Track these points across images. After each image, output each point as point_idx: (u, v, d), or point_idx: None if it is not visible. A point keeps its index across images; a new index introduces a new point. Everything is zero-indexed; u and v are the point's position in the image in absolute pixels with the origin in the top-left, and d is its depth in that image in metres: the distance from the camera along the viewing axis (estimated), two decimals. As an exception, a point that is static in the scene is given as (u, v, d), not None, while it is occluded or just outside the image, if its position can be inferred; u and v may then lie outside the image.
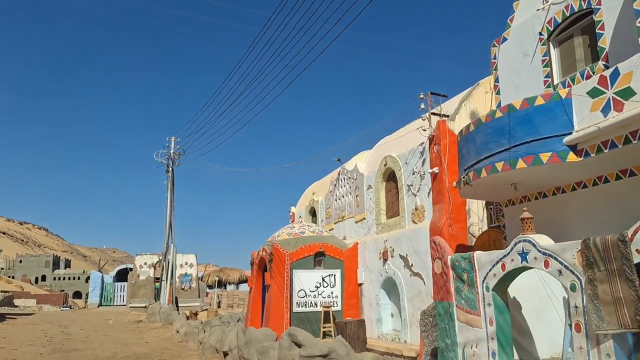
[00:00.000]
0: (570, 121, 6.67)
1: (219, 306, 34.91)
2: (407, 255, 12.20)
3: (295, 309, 14.17)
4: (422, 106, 11.39)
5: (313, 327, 13.75)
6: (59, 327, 23.21)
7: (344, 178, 16.77)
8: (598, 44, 7.36)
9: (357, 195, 15.64)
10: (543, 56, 8.41)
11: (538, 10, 8.47)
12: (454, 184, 9.43)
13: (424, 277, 11.40)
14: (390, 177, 13.82)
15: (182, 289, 37.97)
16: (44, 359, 13.26)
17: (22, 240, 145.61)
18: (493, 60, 9.64)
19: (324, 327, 13.90)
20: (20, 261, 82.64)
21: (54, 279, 71.93)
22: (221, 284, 42.09)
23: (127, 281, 45.03)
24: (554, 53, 8.29)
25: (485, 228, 11.29)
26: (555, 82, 8.15)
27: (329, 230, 17.02)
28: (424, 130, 11.50)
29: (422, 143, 11.96)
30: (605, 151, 6.21)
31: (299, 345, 8.95)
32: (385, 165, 13.82)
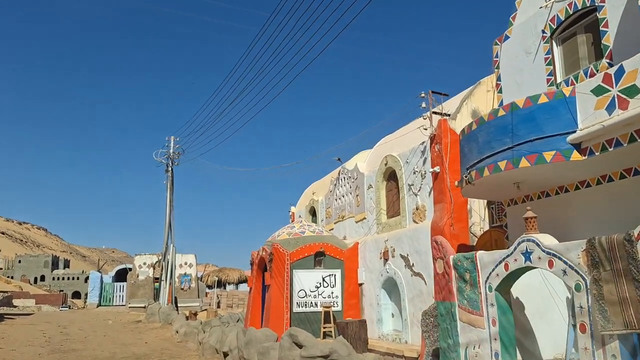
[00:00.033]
0: (574, 119, 6.61)
1: (218, 306, 34.84)
2: (408, 255, 12.13)
3: (296, 309, 14.10)
4: (423, 105, 11.33)
5: (313, 328, 13.68)
6: (58, 328, 23.12)
7: (344, 177, 16.70)
8: (602, 41, 7.31)
9: (357, 195, 15.57)
10: (546, 54, 8.35)
11: (541, 8, 8.41)
12: (456, 183, 9.36)
13: (425, 277, 11.33)
14: (391, 176, 13.75)
15: (182, 289, 37.90)
16: (42, 360, 13.19)
17: (21, 240, 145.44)
18: (495, 59, 9.58)
19: (324, 328, 13.83)
20: (19, 261, 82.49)
21: (53, 279, 71.78)
22: (220, 284, 42.03)
23: (126, 281, 44.95)
24: (557, 51, 8.23)
25: (487, 228, 11.22)
26: (558, 81, 8.09)
27: (329, 230, 16.95)
28: (425, 129, 11.44)
29: (423, 142, 11.89)
30: (610, 150, 6.15)
31: (300, 346, 8.88)
32: (386, 164, 13.75)
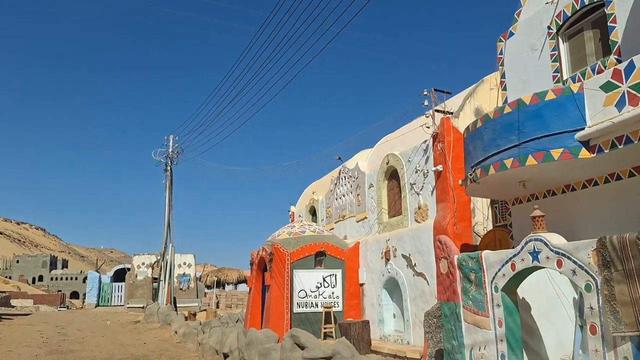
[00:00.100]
0: (583, 116, 6.48)
1: (217, 306, 34.69)
2: (410, 254, 12.00)
3: (296, 309, 13.96)
4: (426, 103, 11.22)
5: (314, 328, 13.55)
6: (56, 328, 22.95)
7: (345, 177, 16.57)
8: (610, 37, 7.17)
9: (358, 194, 15.43)
10: (552, 51, 8.21)
11: (547, 3, 8.28)
12: (460, 181, 9.23)
13: (428, 277, 11.21)
14: (393, 175, 13.62)
15: (180, 289, 37.74)
16: (40, 361, 13.03)
17: (19, 240, 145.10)
18: (499, 56, 9.44)
19: (325, 328, 13.70)
20: (17, 261, 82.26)
21: (51, 279, 71.56)
22: (219, 284, 41.87)
23: (124, 281, 44.79)
24: (563, 47, 8.09)
25: (490, 227, 11.10)
26: (565, 77, 7.96)
27: (330, 229, 16.82)
28: (428, 127, 11.32)
29: (426, 141, 11.77)
30: (619, 147, 6.02)
31: (302, 347, 8.74)
32: (387, 163, 13.62)
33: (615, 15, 7.09)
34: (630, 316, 5.02)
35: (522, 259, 6.47)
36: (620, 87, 6.00)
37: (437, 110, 11.22)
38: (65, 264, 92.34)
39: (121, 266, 53.41)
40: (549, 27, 8.28)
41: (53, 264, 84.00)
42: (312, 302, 14.18)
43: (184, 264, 39.40)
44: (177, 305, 31.09)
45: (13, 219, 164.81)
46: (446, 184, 10.74)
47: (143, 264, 42.44)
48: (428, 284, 11.16)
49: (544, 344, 7.54)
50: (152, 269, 41.66)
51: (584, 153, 6.44)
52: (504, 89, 9.31)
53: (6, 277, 73.07)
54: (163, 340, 17.55)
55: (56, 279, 70.52)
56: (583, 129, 6.42)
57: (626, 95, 5.90)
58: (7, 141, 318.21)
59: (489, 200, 11.26)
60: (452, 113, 11.23)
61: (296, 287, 14.11)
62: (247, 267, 18.50)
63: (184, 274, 39.09)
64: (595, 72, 7.33)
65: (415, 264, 11.76)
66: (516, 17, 9.09)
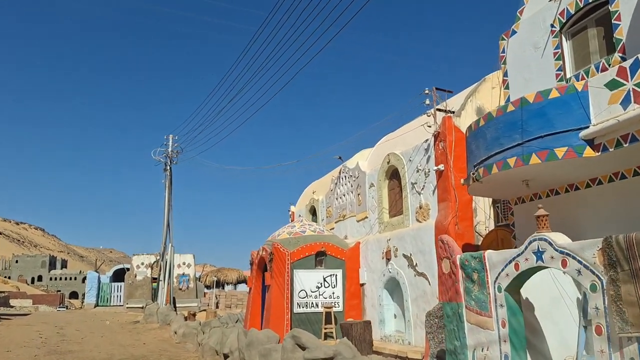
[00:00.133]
0: (587, 114, 6.42)
1: (216, 307, 34.60)
2: (411, 254, 11.93)
3: (296, 309, 13.88)
4: (427, 102, 11.15)
5: (314, 328, 13.47)
6: (55, 328, 22.86)
7: (345, 176, 16.50)
8: (614, 35, 7.11)
9: (358, 194, 15.36)
10: (555, 49, 8.15)
11: (550, 1, 8.21)
12: (462, 181, 9.16)
13: (429, 277, 11.13)
14: (394, 174, 13.55)
15: (180, 289, 37.66)
16: (38, 361, 12.95)
17: (19, 241, 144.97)
18: (501, 54, 9.38)
19: (325, 328, 13.62)
20: (17, 261, 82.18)
21: (50, 279, 71.50)
22: (219, 284, 41.78)
23: (124, 281, 44.71)
24: (567, 45, 8.03)
25: (492, 227, 11.04)
26: (568, 76, 7.89)
27: (330, 229, 16.74)
28: (429, 126, 11.25)
29: (427, 140, 11.69)
30: (625, 145, 5.95)
31: (303, 348, 8.67)
32: (388, 162, 13.54)
33: (619, 13, 7.02)
34: (637, 317, 4.95)
35: (526, 259, 6.40)
36: (625, 84, 5.94)
37: (439, 109, 11.15)
38: (64, 264, 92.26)
39: (120, 266, 53.30)
40: (552, 25, 8.22)
41: (52, 264, 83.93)
42: (312, 302, 14.10)
43: (184, 264, 39.33)
44: (177, 305, 31.02)
45: (12, 218, 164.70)
46: (448, 184, 10.67)
47: (142, 264, 42.36)
48: (429, 284, 11.08)
49: (548, 344, 7.48)
50: (152, 269, 41.59)
51: (588, 152, 6.37)
52: (507, 87, 9.24)
53: (5, 277, 72.97)
54: (162, 341, 17.47)
55: (55, 279, 70.45)
56: (587, 127, 6.36)
57: (631, 93, 5.84)
58: (7, 141, 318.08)
59: (490, 199, 11.19)
60: (453, 112, 11.16)
61: (296, 287, 14.03)
62: (246, 267, 18.42)
63: (183, 274, 39.01)
64: (600, 70, 7.26)
65: (416, 263, 11.68)
66: (519, 15, 9.02)
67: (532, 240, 6.32)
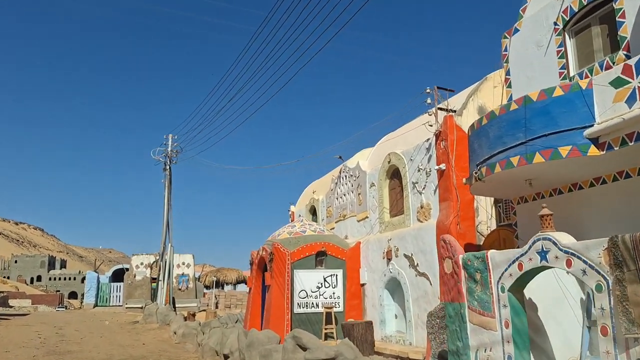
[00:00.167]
0: (592, 113, 6.34)
1: (216, 307, 34.52)
2: (412, 254, 11.86)
3: (297, 309, 13.81)
4: (429, 101, 11.08)
5: (314, 329, 13.39)
6: (54, 328, 22.78)
7: (346, 176, 16.43)
8: (618, 33, 7.04)
9: (359, 194, 15.29)
10: (558, 47, 8.08)
11: (553, -1, 8.14)
12: (464, 180, 9.09)
13: (430, 277, 11.07)
14: (394, 174, 13.49)
15: (179, 289, 37.59)
16: (37, 362, 12.87)
17: (18, 241, 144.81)
18: (504, 53, 9.30)
19: (325, 329, 13.55)
20: (16, 261, 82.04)
21: (50, 279, 71.36)
22: (218, 284, 41.70)
23: (123, 281, 44.61)
24: (570, 43, 7.96)
25: (494, 226, 10.97)
26: (572, 74, 7.82)
27: (330, 229, 16.67)
28: (431, 125, 11.18)
29: (428, 139, 11.63)
30: (630, 144, 5.88)
31: (304, 348, 8.59)
32: (389, 162, 13.47)
33: (624, 10, 6.95)
34: (643, 317, 4.88)
35: (530, 259, 6.33)
36: (630, 82, 5.87)
37: (440, 108, 11.08)
38: (63, 264, 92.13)
39: (120, 266, 53.22)
40: (555, 23, 8.15)
41: (51, 264, 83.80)
42: (312, 303, 14.03)
43: (183, 264, 39.26)
44: (176, 305, 30.95)
45: (11, 218, 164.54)
46: (449, 183, 10.60)
47: (142, 264, 42.28)
48: (431, 284, 11.01)
49: (551, 345, 7.41)
50: (151, 269, 41.51)
51: (593, 150, 6.30)
52: (509, 86, 9.17)
53: (4, 277, 72.87)
54: (162, 341, 17.39)
55: (54, 279, 70.33)
56: (592, 125, 6.28)
57: (637, 91, 5.77)
58: (7, 141, 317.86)
59: (492, 199, 11.12)
60: (455, 111, 11.10)
61: (297, 287, 13.96)
62: (246, 267, 18.37)
63: (182, 274, 38.95)
64: (604, 68, 7.19)
65: (417, 263, 11.62)
66: (521, 13, 8.95)
67: (536, 240, 6.25)
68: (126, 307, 39.19)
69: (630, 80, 5.87)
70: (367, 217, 14.73)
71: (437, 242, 10.49)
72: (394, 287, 12.86)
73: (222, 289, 42.27)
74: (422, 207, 11.92)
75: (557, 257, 5.89)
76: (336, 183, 17.19)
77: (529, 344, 6.80)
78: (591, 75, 7.19)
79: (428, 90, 11.08)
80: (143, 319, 25.00)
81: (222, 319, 19.75)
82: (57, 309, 46.45)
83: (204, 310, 30.54)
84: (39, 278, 77.57)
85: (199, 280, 42.07)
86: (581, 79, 7.44)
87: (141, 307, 33.96)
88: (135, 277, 41.70)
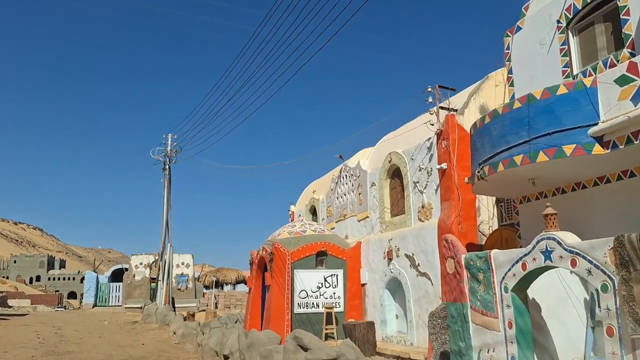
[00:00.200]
0: (596, 111, 6.29)
1: (216, 307, 34.45)
2: (413, 254, 11.80)
3: (297, 310, 13.73)
4: (430, 100, 11.01)
5: (315, 329, 13.32)
6: (53, 329, 22.71)
7: (346, 175, 16.36)
8: (622, 30, 6.96)
9: (359, 193, 15.22)
10: (561, 45, 8.01)
11: (556, -4, 8.07)
12: (466, 179, 9.02)
13: (432, 277, 11.00)
14: (395, 173, 13.42)
15: (179, 289, 37.53)
16: (36, 362, 12.79)
17: (17, 241, 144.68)
18: (506, 51, 9.23)
19: (326, 329, 13.48)
20: (15, 261, 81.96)
21: (49, 279, 71.32)
22: (218, 284, 41.63)
23: (122, 281, 44.54)
24: (573, 42, 7.89)
25: (496, 226, 10.90)
26: (575, 72, 7.75)
27: (331, 229, 16.59)
28: (432, 124, 11.12)
29: (430, 138, 11.56)
30: (635, 142, 5.82)
31: (305, 349, 8.52)
32: (390, 161, 13.41)
33: (628, 8, 6.88)
34: (650, 318, 4.82)
35: (534, 259, 6.26)
36: (636, 80, 5.81)
37: (442, 107, 11.02)
38: (62, 264, 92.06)
39: (119, 266, 53.15)
40: (558, 21, 8.08)
41: (50, 264, 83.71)
42: (313, 303, 13.95)
43: (182, 264, 39.20)
44: (176, 305, 30.89)
45: (10, 218, 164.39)
46: (451, 182, 10.54)
47: (141, 264, 42.21)
48: (432, 284, 10.95)
49: (555, 345, 7.35)
50: (150, 269, 41.44)
51: (597, 149, 6.24)
52: (511, 84, 9.10)
53: (3, 277, 72.79)
54: (161, 341, 17.32)
55: (53, 279, 70.27)
56: (596, 124, 6.23)
57: (642, 88, 5.70)
58: (7, 141, 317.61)
59: (494, 198, 11.06)
60: (456, 110, 11.03)
61: (297, 287, 13.89)
62: (245, 267, 18.31)
63: (182, 274, 38.89)
64: (608, 66, 7.12)
65: (418, 263, 11.55)
66: (524, 11, 8.88)
67: (540, 240, 6.19)
68: (125, 307, 39.12)
69: (635, 77, 5.81)
70: (367, 217, 14.66)
71: (438, 242, 10.43)
72: (395, 287, 12.80)
73: (222, 289, 42.21)
74: (423, 207, 11.86)
75: (561, 257, 5.83)
76: (336, 183, 17.12)
77: (533, 344, 6.74)
78: (595, 74, 7.12)
79: (429, 89, 11.02)
80: (142, 319, 24.93)
81: (222, 319, 19.69)
82: (56, 309, 46.39)
83: (204, 310, 30.48)
84: (38, 278, 77.48)
85: (198, 280, 42.01)
86: (584, 77, 7.37)
87: (140, 307, 33.88)
88: (134, 277, 41.63)
